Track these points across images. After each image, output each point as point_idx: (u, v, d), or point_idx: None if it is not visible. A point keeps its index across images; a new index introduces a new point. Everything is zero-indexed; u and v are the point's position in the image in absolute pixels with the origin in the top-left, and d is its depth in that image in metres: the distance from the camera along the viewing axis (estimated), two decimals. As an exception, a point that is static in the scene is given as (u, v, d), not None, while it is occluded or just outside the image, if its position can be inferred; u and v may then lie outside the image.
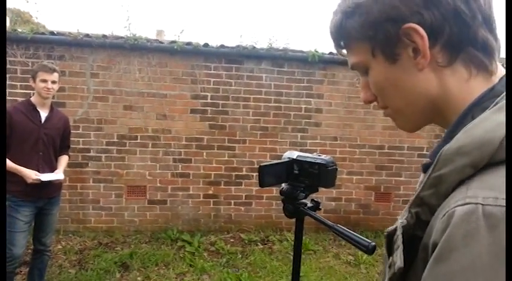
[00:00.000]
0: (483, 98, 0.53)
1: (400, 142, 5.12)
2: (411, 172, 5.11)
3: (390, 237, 0.54)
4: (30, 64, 4.42)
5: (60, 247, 4.21)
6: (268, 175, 1.16)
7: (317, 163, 1.13)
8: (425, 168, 0.61)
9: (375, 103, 0.66)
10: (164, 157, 4.73)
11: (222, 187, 4.85)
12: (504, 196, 0.40)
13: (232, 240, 4.68)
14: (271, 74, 4.89)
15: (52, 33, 4.59)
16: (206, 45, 4.78)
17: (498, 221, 0.39)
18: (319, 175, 1.13)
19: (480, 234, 0.39)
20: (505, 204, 0.39)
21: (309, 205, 1.18)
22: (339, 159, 4.94)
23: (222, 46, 4.82)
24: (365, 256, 4.29)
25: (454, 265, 0.40)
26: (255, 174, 4.90)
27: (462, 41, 0.54)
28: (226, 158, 4.85)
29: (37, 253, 3.13)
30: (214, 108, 4.80)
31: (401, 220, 0.52)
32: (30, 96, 3.09)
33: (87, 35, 4.56)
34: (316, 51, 4.85)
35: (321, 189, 1.19)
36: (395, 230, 0.52)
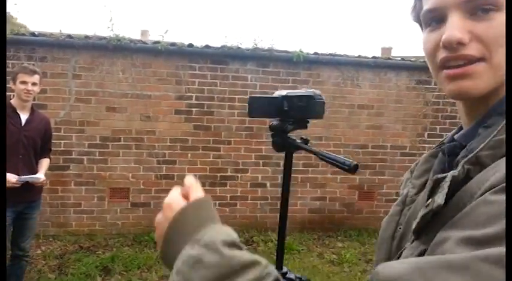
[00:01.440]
0: None
1: (383, 141, 5.17)
2: (394, 170, 5.16)
3: (437, 182, 0.55)
4: (10, 66, 4.32)
5: (39, 251, 4.13)
6: (257, 105, 1.21)
7: (305, 95, 1.19)
8: (450, 149, 0.63)
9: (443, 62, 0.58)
10: (148, 159, 4.69)
11: (207, 188, 4.82)
12: None
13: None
14: (256, 74, 4.89)
15: (33, 34, 4.52)
16: (191, 45, 4.76)
17: None
18: (308, 107, 1.19)
19: None
20: None
21: (298, 140, 1.23)
22: (324, 159, 4.96)
23: (207, 46, 4.80)
24: (348, 255, 4.34)
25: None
26: (240, 175, 4.90)
27: None
28: (211, 159, 4.83)
29: (15, 259, 3.05)
30: (199, 109, 4.78)
31: (453, 171, 0.53)
32: (11, 99, 3.03)
33: (69, 36, 4.50)
34: (301, 52, 4.87)
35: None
36: (444, 177, 0.54)
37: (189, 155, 4.78)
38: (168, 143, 4.73)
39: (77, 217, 4.59)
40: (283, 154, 1.25)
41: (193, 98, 4.76)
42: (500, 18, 0.55)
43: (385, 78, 5.16)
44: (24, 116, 2.96)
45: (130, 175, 4.65)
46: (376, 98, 5.13)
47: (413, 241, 0.59)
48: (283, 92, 1.22)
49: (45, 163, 3.14)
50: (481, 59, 0.56)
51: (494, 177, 0.47)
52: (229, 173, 4.88)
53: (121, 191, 4.66)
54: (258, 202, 4.95)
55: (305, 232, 4.94)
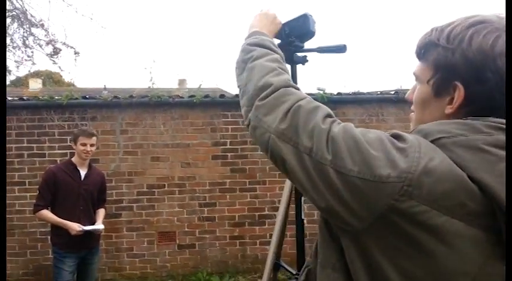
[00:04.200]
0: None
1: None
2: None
3: None
4: (66, 126, 4.91)
5: (100, 294, 4.47)
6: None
7: (300, 16, 1.35)
8: None
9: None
10: (190, 202, 5.03)
11: (247, 227, 5.08)
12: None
13: (259, 280, 4.82)
14: (284, 117, 5.21)
15: (84, 97, 5.11)
16: (222, 96, 5.21)
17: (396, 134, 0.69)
18: (304, 25, 1.37)
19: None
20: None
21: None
22: (357, 193, 5.11)
23: (237, 95, 5.18)
24: None
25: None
26: (277, 213, 5.11)
27: (480, 116, 0.69)
28: (248, 200, 5.11)
29: (80, 302, 3.41)
30: (233, 153, 5.13)
31: None
32: (70, 157, 3.51)
33: (115, 97, 5.06)
34: (325, 93, 5.18)
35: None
36: None
37: (228, 196, 5.08)
38: (208, 187, 5.07)
39: (130, 261, 4.94)
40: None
41: (228, 144, 5.13)
42: (419, 89, 0.78)
43: (410, 111, 5.32)
44: (83, 172, 3.38)
45: (175, 218, 5.00)
46: (403, 132, 5.28)
47: None
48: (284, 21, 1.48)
49: (101, 213, 3.52)
50: (413, 111, 0.82)
51: None
52: (266, 212, 5.12)
53: (168, 234, 5.00)
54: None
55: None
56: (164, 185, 5.02)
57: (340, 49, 1.39)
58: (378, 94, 5.31)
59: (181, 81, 15.64)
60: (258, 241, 5.10)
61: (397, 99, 5.25)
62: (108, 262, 4.89)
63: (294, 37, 1.43)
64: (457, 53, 0.69)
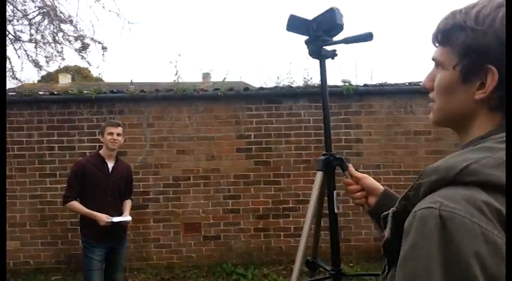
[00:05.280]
0: (483, 136, 0.67)
1: (444, 165, 5.12)
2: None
3: (384, 219, 0.68)
4: (94, 120, 5.03)
5: (127, 283, 4.60)
6: (294, 23, 1.43)
7: (327, 11, 1.41)
8: None
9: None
10: (215, 195, 5.08)
11: (271, 220, 5.08)
12: (454, 205, 0.55)
13: (284, 272, 4.84)
14: (309, 109, 5.16)
15: (112, 91, 5.21)
16: (246, 89, 5.19)
17: (446, 221, 0.54)
18: (331, 19, 1.42)
19: (431, 234, 0.55)
20: (451, 210, 0.54)
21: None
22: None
23: (261, 88, 5.20)
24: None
25: (408, 243, 0.58)
26: (301, 206, 5.09)
27: None
28: (272, 192, 5.11)
29: (109, 290, 3.51)
30: (258, 146, 5.12)
31: (393, 208, 0.66)
32: (98, 150, 3.58)
33: (142, 91, 5.14)
34: (351, 85, 5.09)
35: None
36: (388, 214, 0.67)
37: (252, 189, 5.10)
38: (232, 179, 5.10)
39: (157, 251, 5.05)
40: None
41: (252, 136, 5.13)
42: (442, 75, 0.73)
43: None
44: (110, 164, 3.45)
45: (200, 210, 5.06)
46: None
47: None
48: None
49: (128, 205, 3.59)
50: (434, 100, 0.77)
51: (407, 221, 0.59)
52: (291, 205, 5.11)
53: (193, 226, 5.07)
54: (322, 232, 5.07)
55: (372, 262, 4.94)
56: (189, 177, 5.08)
57: (366, 37, 1.37)
58: (406, 85, 5.17)
59: (206, 75, 15.71)
60: (282, 234, 5.10)
61: (426, 90, 5.09)
62: (135, 252, 5.01)
63: (321, 32, 1.41)
64: (489, 34, 0.64)
